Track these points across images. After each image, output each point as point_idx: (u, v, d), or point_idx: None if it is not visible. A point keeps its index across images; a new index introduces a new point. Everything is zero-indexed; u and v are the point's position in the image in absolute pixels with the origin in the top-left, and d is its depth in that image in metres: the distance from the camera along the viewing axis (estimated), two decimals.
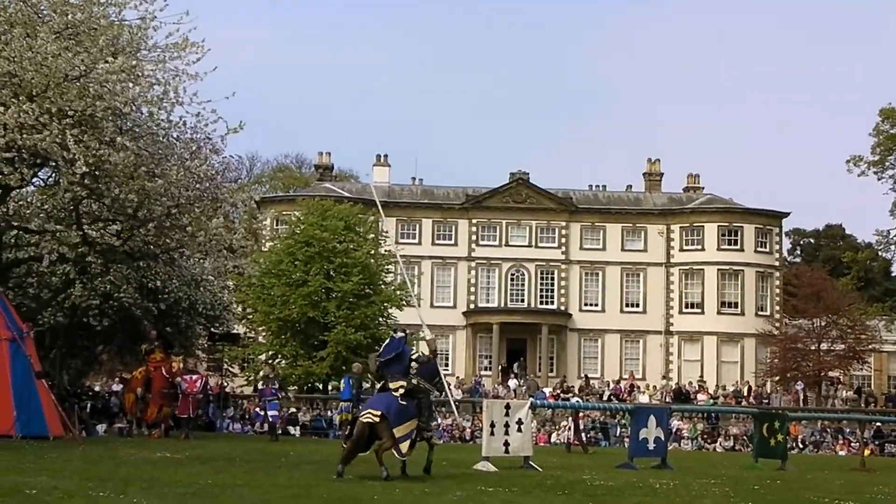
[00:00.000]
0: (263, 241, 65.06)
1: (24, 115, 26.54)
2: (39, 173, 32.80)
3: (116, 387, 49.33)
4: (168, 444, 28.56)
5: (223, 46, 32.53)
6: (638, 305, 77.70)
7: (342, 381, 39.46)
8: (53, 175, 33.39)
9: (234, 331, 53.44)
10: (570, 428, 39.45)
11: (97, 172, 28.82)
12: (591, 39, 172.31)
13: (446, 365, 75.14)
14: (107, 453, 22.64)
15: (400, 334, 19.92)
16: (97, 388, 51.26)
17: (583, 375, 69.87)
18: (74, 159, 26.98)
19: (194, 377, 36.91)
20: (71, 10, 28.72)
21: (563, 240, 77.73)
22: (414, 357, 20.41)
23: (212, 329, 46.71)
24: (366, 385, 37.06)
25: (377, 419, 17.78)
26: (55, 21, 28.51)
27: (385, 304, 56.45)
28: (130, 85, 28.79)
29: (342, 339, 52.46)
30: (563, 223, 77.96)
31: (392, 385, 18.71)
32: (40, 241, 33.85)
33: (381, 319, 56.26)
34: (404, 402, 18.38)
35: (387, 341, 20.18)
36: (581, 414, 39.50)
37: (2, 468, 16.32)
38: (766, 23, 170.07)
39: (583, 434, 40.98)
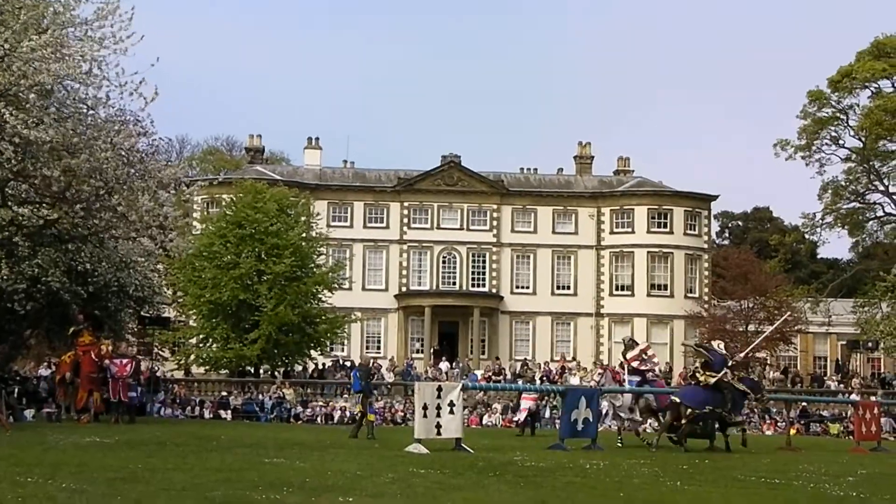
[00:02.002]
0: (193, 222, 64.58)
1: None
2: None
3: (45, 371, 48.85)
4: (98, 429, 28.33)
5: (152, 27, 32.21)
6: (569, 288, 78.03)
7: (351, 375, 39.67)
8: None
9: (165, 314, 53.04)
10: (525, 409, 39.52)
11: (23, 151, 28.46)
12: (522, 21, 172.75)
13: (378, 348, 75.16)
14: (35, 438, 22.44)
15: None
16: (25, 373, 50.69)
17: (522, 360, 70.12)
18: (1, 141, 26.64)
19: (124, 361, 36.64)
20: None
21: (495, 223, 77.86)
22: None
23: (142, 312, 46.31)
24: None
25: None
26: None
27: (317, 287, 56.34)
28: (56, 63, 28.44)
29: (273, 321, 52.27)
30: (495, 206, 78.09)
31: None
32: None
33: (312, 302, 56.14)
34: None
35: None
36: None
37: None
38: (697, 5, 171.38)
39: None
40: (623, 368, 32.71)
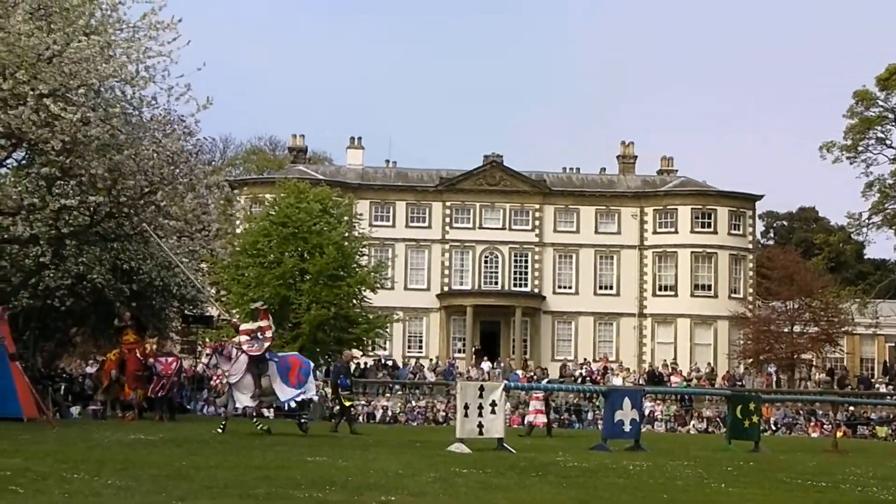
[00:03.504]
0: (237, 223, 64.87)
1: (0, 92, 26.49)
2: (13, 154, 32.66)
3: (90, 369, 49.19)
4: (142, 427, 28.51)
5: (197, 27, 32.45)
6: (611, 288, 77.89)
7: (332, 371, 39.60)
8: (27, 156, 33.29)
9: (208, 313, 53.33)
10: (541, 411, 39.23)
11: (72, 147, 28.76)
12: (566, 22, 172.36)
13: (420, 348, 75.27)
14: (81, 435, 22.60)
15: None
16: (71, 371, 51.07)
17: (562, 361, 70.06)
18: (50, 137, 26.94)
19: (169, 359, 36.89)
20: None
21: (537, 222, 77.81)
22: None
23: (185, 311, 46.57)
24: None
25: None
26: (27, 2, 28.41)
27: (359, 287, 56.40)
28: (103, 64, 28.73)
29: (315, 320, 52.36)
30: (537, 206, 78.03)
31: None
32: (13, 223, 33.72)
33: (354, 301, 56.22)
34: None
35: None
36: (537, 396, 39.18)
37: None
38: (741, 4, 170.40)
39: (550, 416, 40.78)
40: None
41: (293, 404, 27.18)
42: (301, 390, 26.78)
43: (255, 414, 28.57)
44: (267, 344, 26.82)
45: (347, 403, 34.05)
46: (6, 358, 27.51)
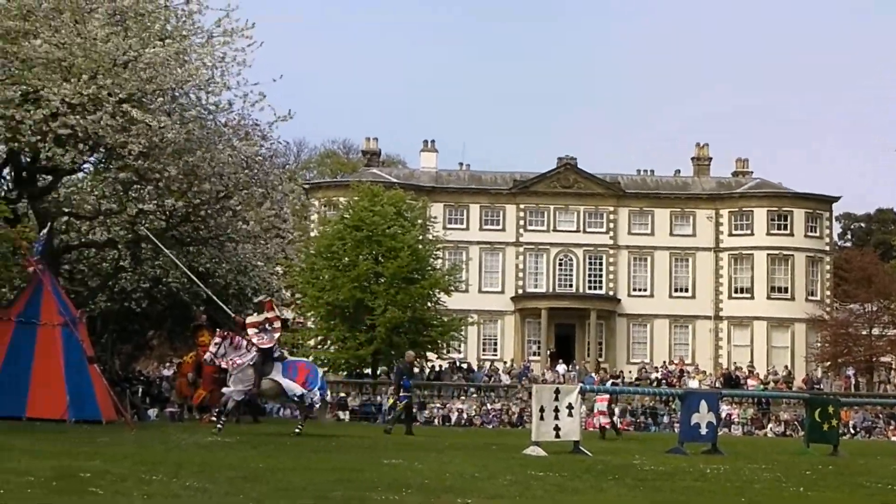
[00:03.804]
0: (311, 226, 65.29)
1: (78, 96, 26.78)
2: (90, 158, 33.07)
3: (167, 371, 49.65)
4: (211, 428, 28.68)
5: (270, 31, 32.62)
6: (687, 290, 77.38)
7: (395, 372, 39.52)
8: (104, 160, 33.68)
9: (283, 316, 53.62)
10: (604, 412, 38.95)
11: (148, 152, 29.05)
12: (638, 23, 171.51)
13: (495, 350, 75.21)
14: (158, 437, 22.77)
15: None
16: (148, 373, 51.63)
17: (638, 363, 69.67)
18: (128, 141, 27.25)
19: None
20: None
21: (612, 225, 77.50)
22: None
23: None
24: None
25: None
26: (103, 7, 28.73)
27: (433, 290, 56.45)
28: (179, 69, 29.02)
29: (390, 322, 52.50)
30: (612, 208, 77.74)
31: None
32: (91, 226, 34.18)
33: (429, 304, 56.30)
34: None
35: None
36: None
37: (56, 452, 16.44)
38: (810, 1, 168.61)
39: (615, 418, 40.50)
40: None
41: (296, 398, 26.65)
42: (308, 393, 26.51)
43: (219, 410, 27.77)
44: (277, 335, 26.53)
45: (399, 406, 34.13)
46: (85, 361, 27.79)
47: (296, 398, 26.64)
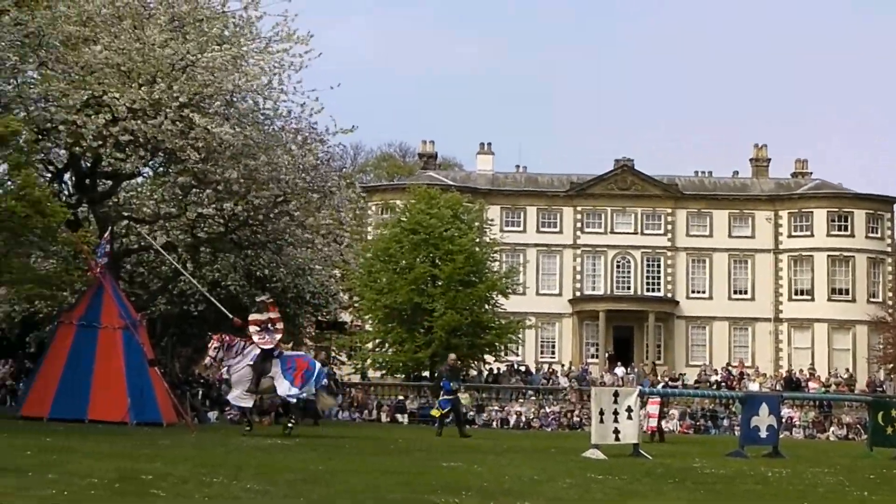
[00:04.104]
0: (368, 229, 65.49)
1: (140, 101, 27.03)
2: (150, 163, 33.38)
3: (226, 375, 49.91)
4: (278, 431, 28.81)
5: (326, 34, 32.70)
6: (746, 292, 76.78)
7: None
8: (163, 165, 33.98)
9: (341, 319, 53.78)
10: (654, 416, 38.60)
11: (207, 156, 29.27)
12: (694, 22, 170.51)
13: (553, 353, 75.05)
14: (219, 440, 22.91)
15: None
16: (207, 376, 51.94)
17: (698, 366, 69.22)
18: (187, 145, 27.48)
19: None
20: (177, 2, 29.23)
21: (669, 227, 77.08)
22: None
23: (318, 317, 47.03)
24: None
25: None
26: (162, 13, 29.00)
27: (491, 292, 56.37)
28: (236, 74, 29.22)
29: (447, 325, 52.49)
30: (669, 210, 77.32)
31: None
32: (151, 230, 34.49)
33: (487, 307, 56.24)
34: None
35: None
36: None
37: (117, 455, 16.57)
38: (867, 3, 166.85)
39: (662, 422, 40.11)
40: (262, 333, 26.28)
41: (291, 401, 26.56)
42: (301, 392, 26.21)
43: (246, 414, 27.50)
44: (278, 336, 26.33)
45: (436, 411, 34.13)
46: (146, 364, 28.03)
47: (290, 401, 26.61)
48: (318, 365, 27.43)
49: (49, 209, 25.68)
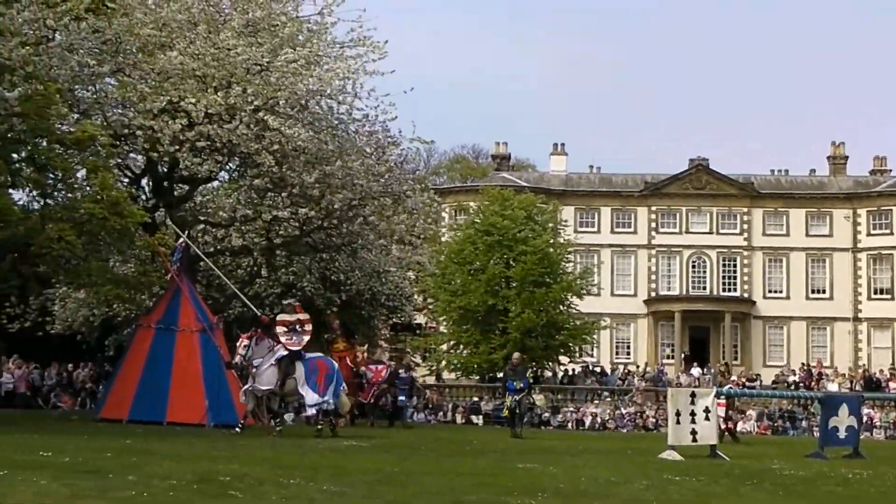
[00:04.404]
0: (442, 231, 65.59)
1: (215, 106, 27.28)
2: (226, 167, 33.68)
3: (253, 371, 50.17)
4: (354, 433, 28.93)
5: (397, 36, 32.77)
6: (824, 292, 75.90)
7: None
8: (239, 169, 34.26)
9: (415, 321, 53.91)
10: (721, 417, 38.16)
11: (282, 160, 29.48)
12: (769, 21, 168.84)
13: (628, 354, 74.70)
14: (295, 441, 23.03)
15: None
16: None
17: (776, 366, 68.55)
18: (262, 149, 27.71)
19: (379, 367, 37.34)
20: (251, 8, 29.46)
21: (745, 226, 76.39)
22: None
23: (393, 319, 47.17)
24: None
25: None
26: (236, 18, 29.25)
27: (565, 293, 56.22)
28: (310, 78, 29.40)
29: (520, 326, 52.43)
30: (745, 209, 76.62)
31: None
32: (227, 234, 34.79)
33: (561, 308, 56.11)
34: None
35: None
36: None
37: (196, 456, 16.73)
38: None
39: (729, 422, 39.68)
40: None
41: (313, 411, 26.49)
42: (326, 399, 25.97)
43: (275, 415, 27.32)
44: (306, 338, 26.00)
45: (506, 411, 34.04)
46: (223, 366, 28.24)
47: (312, 409, 26.52)
48: (336, 367, 27.27)
49: (126, 210, 25.98)
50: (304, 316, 26.33)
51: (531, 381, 40.35)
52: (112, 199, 25.57)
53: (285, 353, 25.70)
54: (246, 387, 26.16)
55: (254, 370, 25.79)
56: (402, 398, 37.80)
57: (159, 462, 15.24)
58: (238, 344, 26.17)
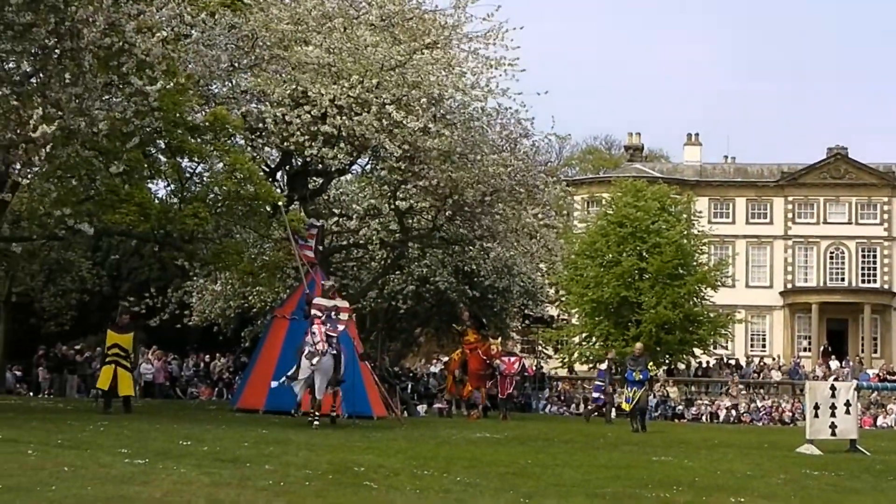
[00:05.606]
0: (574, 223, 65.38)
1: (346, 98, 27.46)
2: (358, 161, 33.90)
3: (434, 368, 50.54)
4: (487, 425, 28.97)
5: (530, 26, 32.53)
6: None
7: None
8: (371, 162, 34.49)
9: (548, 313, 53.81)
10: None
11: (413, 155, 29.56)
12: None
13: (763, 346, 73.66)
14: (428, 433, 23.12)
15: None
16: (416, 370, 52.59)
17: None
18: (393, 143, 27.83)
19: (512, 359, 37.34)
20: (386, 2, 29.58)
21: (886, 216, 74.72)
22: None
23: (525, 312, 47.15)
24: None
25: None
26: (371, 13, 29.40)
27: (700, 286, 55.64)
28: (445, 74, 29.45)
29: (655, 319, 52.06)
30: (886, 199, 74.93)
31: None
32: (360, 227, 35.06)
33: (695, 300, 55.57)
34: None
35: None
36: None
37: (332, 446, 16.89)
38: None
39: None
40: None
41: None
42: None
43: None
44: (341, 327, 24.01)
45: (625, 407, 33.79)
46: (356, 358, 28.43)
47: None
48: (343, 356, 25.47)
49: (258, 180, 26.31)
50: (342, 303, 24.94)
51: (654, 374, 40.09)
52: (244, 175, 25.96)
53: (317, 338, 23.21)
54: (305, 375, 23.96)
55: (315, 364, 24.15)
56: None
57: (296, 452, 15.43)
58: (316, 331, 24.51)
